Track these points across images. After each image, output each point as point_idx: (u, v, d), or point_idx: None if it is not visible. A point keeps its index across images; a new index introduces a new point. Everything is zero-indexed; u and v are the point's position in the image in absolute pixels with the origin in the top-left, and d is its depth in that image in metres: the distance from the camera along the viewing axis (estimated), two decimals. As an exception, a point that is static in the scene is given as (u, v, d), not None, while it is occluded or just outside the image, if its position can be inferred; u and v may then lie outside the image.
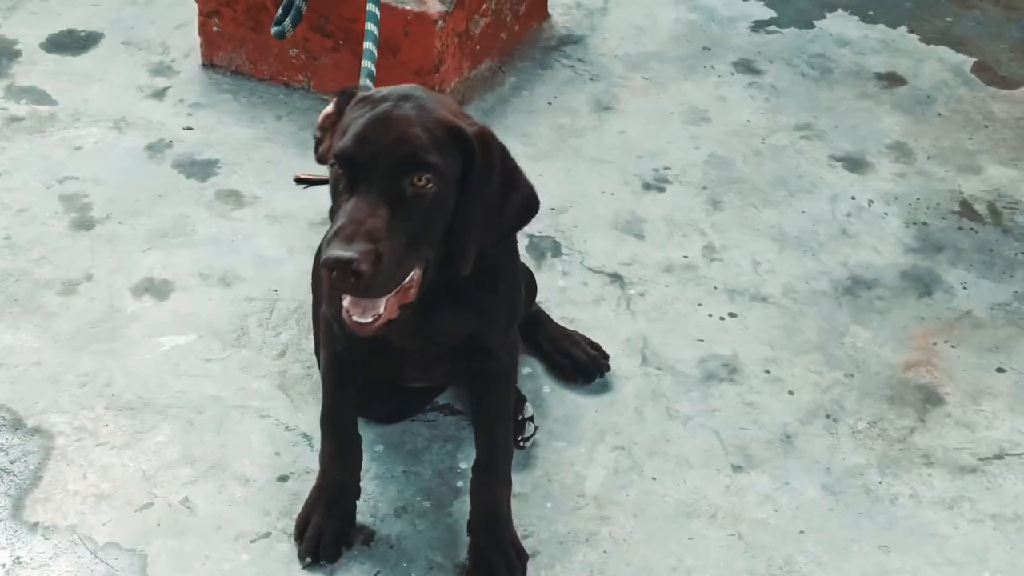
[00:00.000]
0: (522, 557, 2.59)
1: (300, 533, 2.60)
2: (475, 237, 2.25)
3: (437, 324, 2.40)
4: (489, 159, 2.23)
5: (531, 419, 2.83)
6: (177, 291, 3.22)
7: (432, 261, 2.23)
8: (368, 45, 3.13)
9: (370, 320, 2.17)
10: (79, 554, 2.56)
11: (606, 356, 3.03)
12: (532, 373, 3.03)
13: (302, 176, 2.41)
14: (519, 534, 2.62)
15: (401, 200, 2.13)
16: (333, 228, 2.11)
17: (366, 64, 3.05)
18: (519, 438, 2.79)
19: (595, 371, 3.00)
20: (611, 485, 2.79)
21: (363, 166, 2.14)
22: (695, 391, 3.03)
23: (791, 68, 4.18)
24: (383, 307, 2.17)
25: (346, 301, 2.18)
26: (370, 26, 3.22)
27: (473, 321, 2.43)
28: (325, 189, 2.28)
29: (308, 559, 2.56)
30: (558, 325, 3.06)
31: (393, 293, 2.17)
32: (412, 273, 2.19)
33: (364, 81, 2.99)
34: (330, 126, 2.31)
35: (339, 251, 2.06)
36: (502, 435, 2.59)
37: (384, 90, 2.25)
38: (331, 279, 2.08)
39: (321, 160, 2.33)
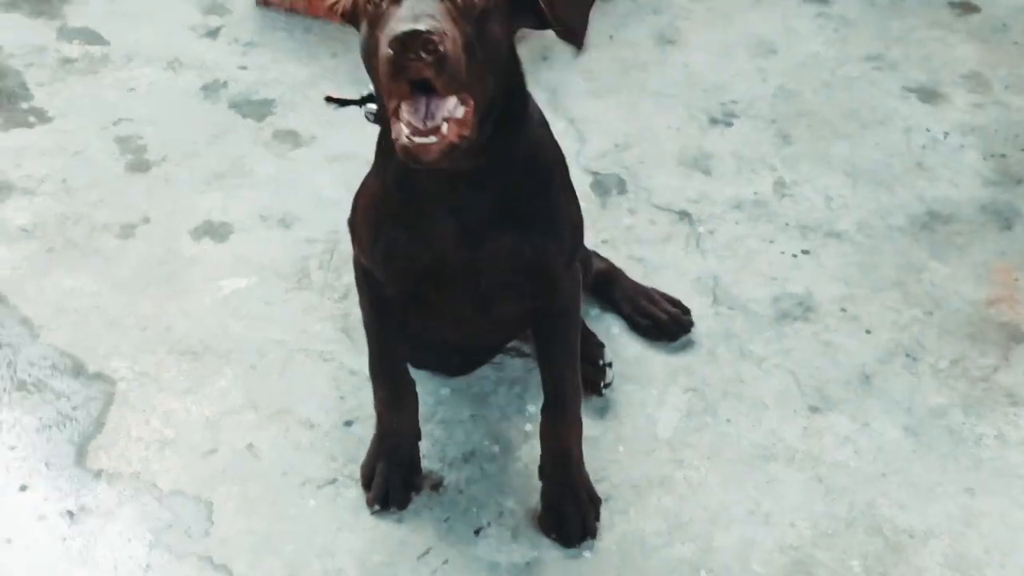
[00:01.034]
0: (595, 501, 2.52)
1: (367, 481, 2.54)
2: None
3: (495, 239, 2.21)
4: None
5: (610, 365, 2.75)
6: (236, 233, 3.16)
7: (484, 100, 2.03)
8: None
9: (433, 140, 1.94)
10: (144, 501, 2.51)
11: (687, 311, 2.92)
12: (598, 314, 2.95)
13: (333, 96, 2.28)
14: (591, 478, 2.54)
15: (455, 5, 1.94)
16: (391, 22, 1.89)
17: None
18: (601, 383, 2.72)
19: (679, 330, 2.90)
20: (685, 428, 2.71)
21: None
22: (769, 331, 2.93)
23: (860, -3, 4.05)
24: (443, 123, 1.94)
25: (404, 114, 1.94)
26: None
27: (535, 237, 2.24)
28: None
29: (376, 506, 2.50)
30: (634, 282, 2.96)
31: (452, 109, 1.95)
32: (467, 104, 1.97)
33: None
34: None
35: (409, 24, 1.85)
36: (570, 374, 2.48)
37: None
38: (400, 63, 1.86)
39: (348, 16, 2.11)
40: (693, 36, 3.86)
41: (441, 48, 1.86)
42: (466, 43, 1.93)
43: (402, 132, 1.95)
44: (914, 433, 2.71)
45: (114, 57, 3.74)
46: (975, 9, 3.99)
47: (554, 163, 2.29)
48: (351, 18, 2.10)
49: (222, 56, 3.75)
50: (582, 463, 2.54)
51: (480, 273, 2.26)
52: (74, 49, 3.76)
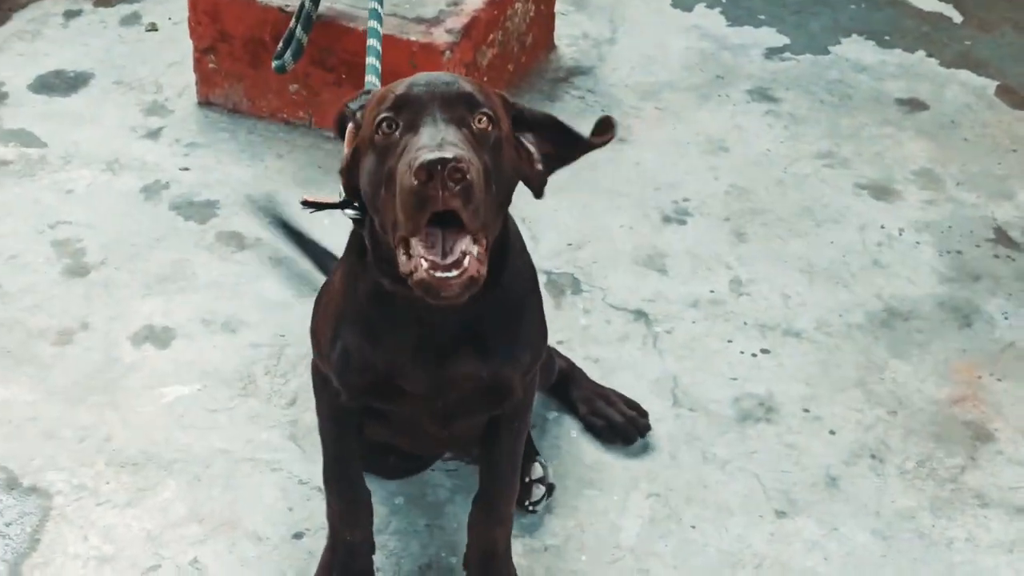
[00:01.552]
0: None
1: (318, 597, 2.42)
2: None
3: (457, 366, 2.15)
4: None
5: (541, 480, 2.65)
6: (179, 339, 3.05)
7: (495, 234, 1.99)
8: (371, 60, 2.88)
9: (455, 274, 1.85)
10: (81, 623, 2.38)
11: (645, 415, 2.84)
12: (557, 416, 2.86)
13: (310, 199, 2.21)
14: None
15: (471, 132, 1.91)
16: (413, 151, 1.83)
17: (371, 61, 2.79)
18: (526, 502, 2.62)
19: (634, 433, 2.81)
20: (648, 535, 2.61)
21: (423, 103, 1.91)
22: (731, 432, 2.86)
23: (809, 95, 4.03)
24: (465, 257, 1.86)
25: (422, 252, 1.86)
26: (371, 60, 2.96)
27: (496, 362, 2.19)
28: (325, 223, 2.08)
29: (329, 623, 2.39)
30: (592, 382, 2.88)
31: (473, 239, 1.88)
32: (480, 242, 1.90)
33: (369, 78, 2.74)
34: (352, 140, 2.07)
35: (436, 153, 1.79)
36: (509, 473, 2.40)
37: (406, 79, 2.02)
38: (424, 191, 1.79)
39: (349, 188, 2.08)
40: (644, 134, 3.82)
41: (469, 176, 1.80)
42: (486, 174, 1.89)
43: (421, 266, 1.86)
44: (883, 537, 2.63)
45: (51, 159, 3.64)
46: (923, 106, 3.98)
47: (530, 291, 2.26)
48: (349, 170, 2.05)
49: (163, 157, 3.66)
50: (509, 556, 2.45)
51: (440, 391, 2.20)
52: (9, 151, 3.66)
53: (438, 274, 1.85)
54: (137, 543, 2.54)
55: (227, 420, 2.82)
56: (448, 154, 1.78)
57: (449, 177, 1.78)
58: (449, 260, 1.85)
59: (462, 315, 2.07)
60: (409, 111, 1.91)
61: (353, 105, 2.12)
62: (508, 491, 2.41)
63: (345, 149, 2.08)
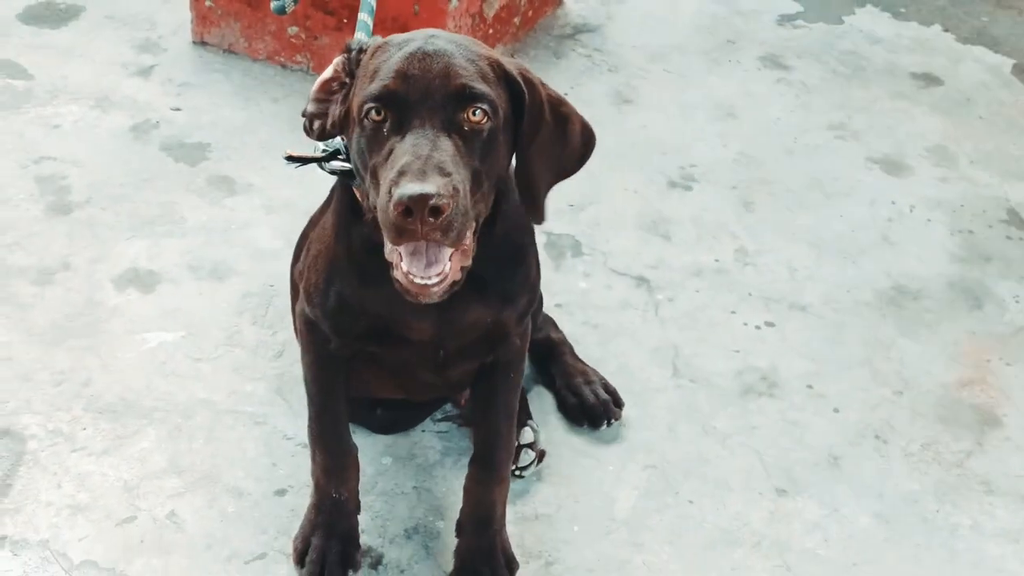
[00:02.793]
0: (512, 566, 2.34)
1: (300, 557, 2.32)
2: (545, 179, 2.02)
3: (462, 312, 2.10)
4: (536, 93, 1.97)
5: (531, 446, 2.54)
6: (164, 284, 2.93)
7: (483, 219, 1.95)
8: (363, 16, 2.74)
9: (436, 280, 1.86)
10: (52, 572, 2.27)
11: (620, 404, 2.71)
12: (541, 391, 2.76)
13: (294, 154, 2.11)
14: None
15: (461, 134, 1.85)
16: (396, 168, 1.80)
17: (363, 17, 2.65)
18: (515, 467, 2.51)
19: (602, 417, 2.68)
20: (644, 508, 2.52)
21: (412, 103, 1.85)
22: (732, 406, 2.76)
23: (821, 64, 3.93)
24: (448, 264, 1.88)
25: (404, 261, 1.87)
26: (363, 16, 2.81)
27: (498, 306, 2.15)
28: (317, 172, 2.01)
29: (310, 584, 2.29)
30: (577, 359, 2.77)
31: (456, 249, 1.88)
32: (471, 228, 1.89)
33: (359, 35, 2.63)
34: (335, 92, 2.00)
35: (416, 186, 1.75)
36: (506, 430, 2.32)
37: (402, 35, 1.95)
38: (404, 224, 1.77)
39: (322, 135, 2.03)
40: (651, 97, 3.71)
41: (449, 211, 1.77)
42: (473, 177, 1.86)
43: (401, 269, 1.87)
44: (886, 521, 2.54)
45: (38, 92, 3.51)
46: (938, 82, 3.88)
47: (526, 237, 2.21)
48: (341, 127, 1.99)
49: (155, 96, 3.54)
50: (504, 525, 2.36)
51: (441, 339, 2.14)
52: (-5, 82, 3.53)
53: (419, 280, 1.86)
54: (113, 493, 2.43)
55: (211, 370, 2.72)
56: (429, 188, 1.75)
57: (429, 214, 1.76)
58: (431, 272, 1.86)
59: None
60: (397, 108, 1.85)
61: (353, 44, 2.01)
62: (506, 447, 2.33)
63: (327, 73, 2.01)
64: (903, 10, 4.22)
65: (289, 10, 3.40)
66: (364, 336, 2.13)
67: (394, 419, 2.59)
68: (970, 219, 3.35)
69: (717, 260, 3.14)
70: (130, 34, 3.78)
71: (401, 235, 1.80)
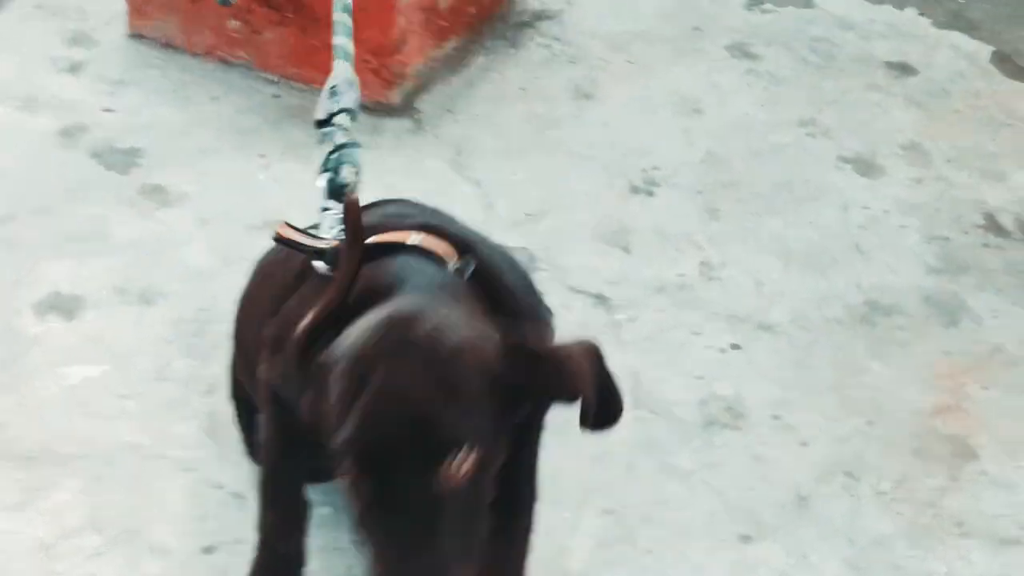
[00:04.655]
0: None
1: (239, 622, 2.15)
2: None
3: None
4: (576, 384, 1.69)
5: None
6: (88, 309, 2.75)
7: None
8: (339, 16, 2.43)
9: None
10: (-43, 650, 2.11)
11: None
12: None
13: (283, 236, 1.83)
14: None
15: (437, 506, 1.53)
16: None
17: (339, 42, 2.35)
18: None
19: None
20: (599, 560, 2.37)
21: (379, 463, 1.54)
22: (695, 440, 2.60)
23: (790, 53, 3.75)
24: None
25: None
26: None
27: None
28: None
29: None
30: None
31: None
32: None
33: (338, 64, 2.34)
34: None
35: None
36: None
37: (358, 339, 1.60)
38: None
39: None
40: (612, 90, 3.53)
41: None
42: (460, 552, 1.55)
43: None
44: (856, 568, 2.40)
45: (-44, 91, 3.31)
46: (912, 71, 3.71)
47: None
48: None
49: (85, 95, 3.34)
50: None
51: None
52: (-94, 81, 3.33)
53: None
54: (25, 555, 2.25)
55: (137, 408, 2.54)
56: None
57: None
58: None
59: None
60: (366, 470, 1.54)
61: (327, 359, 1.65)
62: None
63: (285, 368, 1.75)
64: (876, -8, 4.04)
65: (232, 1, 3.22)
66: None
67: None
68: (946, 224, 3.19)
69: (680, 275, 2.98)
70: (60, 25, 3.57)
71: None
